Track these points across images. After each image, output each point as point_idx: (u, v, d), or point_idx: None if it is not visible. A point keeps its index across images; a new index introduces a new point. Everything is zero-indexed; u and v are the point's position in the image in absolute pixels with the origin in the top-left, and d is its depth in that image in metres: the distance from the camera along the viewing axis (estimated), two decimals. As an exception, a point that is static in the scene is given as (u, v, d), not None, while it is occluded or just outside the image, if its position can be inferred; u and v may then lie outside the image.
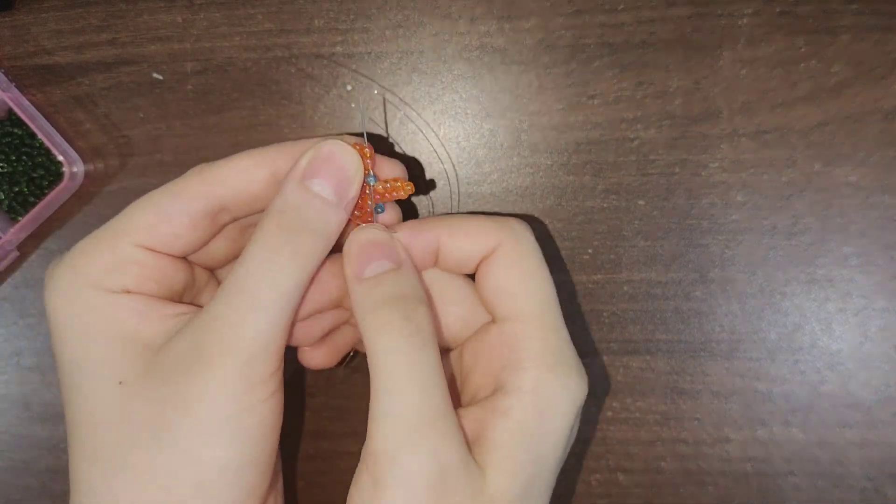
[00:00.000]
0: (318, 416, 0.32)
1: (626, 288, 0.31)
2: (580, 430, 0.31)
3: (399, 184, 0.25)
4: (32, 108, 0.30)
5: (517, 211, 0.30)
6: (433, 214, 0.31)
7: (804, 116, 0.29)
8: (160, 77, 0.30)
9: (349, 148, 0.23)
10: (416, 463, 0.21)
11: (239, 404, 0.22)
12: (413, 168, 0.31)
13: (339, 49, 0.30)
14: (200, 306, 0.25)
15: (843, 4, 0.29)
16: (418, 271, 0.25)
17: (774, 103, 0.29)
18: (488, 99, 0.30)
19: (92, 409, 0.23)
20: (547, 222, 0.30)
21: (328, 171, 0.23)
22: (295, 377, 0.32)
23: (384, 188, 0.25)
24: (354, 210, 0.25)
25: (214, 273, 0.28)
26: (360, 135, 0.25)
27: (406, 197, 0.25)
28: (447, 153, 0.30)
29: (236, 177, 0.23)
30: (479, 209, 0.31)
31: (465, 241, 0.24)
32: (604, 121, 0.30)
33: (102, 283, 0.23)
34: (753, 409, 0.31)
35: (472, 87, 0.30)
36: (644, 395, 0.31)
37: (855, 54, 0.29)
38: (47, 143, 0.30)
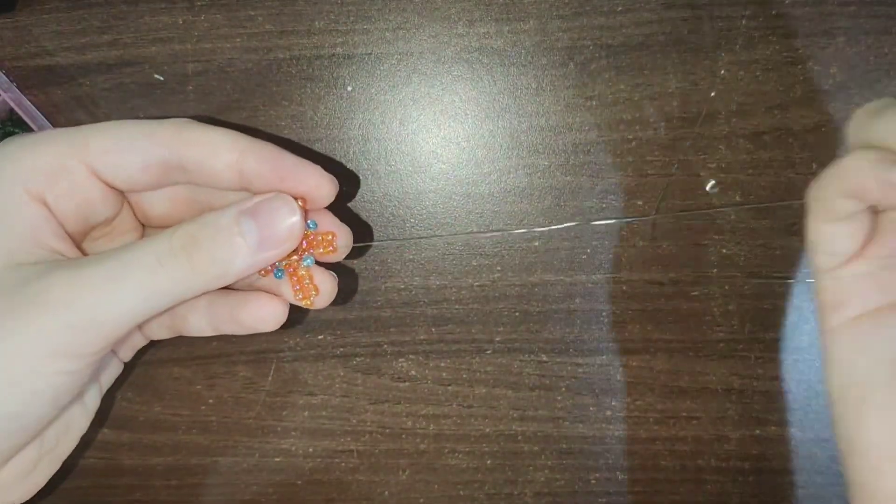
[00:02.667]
0: (318, 415, 0.32)
1: (624, 288, 0.31)
2: (579, 429, 0.32)
3: (324, 240, 0.24)
4: (34, 108, 0.31)
5: (516, 211, 0.31)
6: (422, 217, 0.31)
7: (801, 118, 0.29)
8: (161, 78, 0.30)
9: (296, 213, 0.23)
10: None
11: (34, 362, 0.21)
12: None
13: (339, 50, 0.30)
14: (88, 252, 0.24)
15: (839, 7, 0.29)
16: None
17: (771, 105, 0.29)
18: (487, 100, 0.30)
19: None
20: (545, 223, 0.31)
21: (264, 222, 0.23)
22: (293, 375, 0.32)
23: (308, 241, 0.24)
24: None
25: (145, 230, 0.27)
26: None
27: (331, 254, 0.25)
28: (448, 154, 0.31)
29: (205, 148, 0.23)
30: (478, 209, 0.31)
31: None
32: (601, 122, 0.30)
33: (28, 181, 0.22)
34: (751, 407, 0.31)
35: (471, 89, 0.30)
36: (643, 394, 0.31)
37: (850, 57, 0.29)
38: (48, 144, 0.30)
